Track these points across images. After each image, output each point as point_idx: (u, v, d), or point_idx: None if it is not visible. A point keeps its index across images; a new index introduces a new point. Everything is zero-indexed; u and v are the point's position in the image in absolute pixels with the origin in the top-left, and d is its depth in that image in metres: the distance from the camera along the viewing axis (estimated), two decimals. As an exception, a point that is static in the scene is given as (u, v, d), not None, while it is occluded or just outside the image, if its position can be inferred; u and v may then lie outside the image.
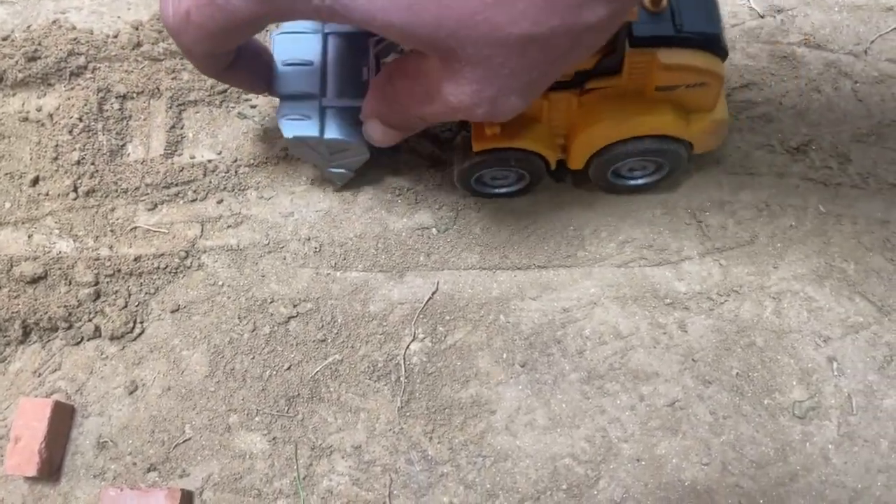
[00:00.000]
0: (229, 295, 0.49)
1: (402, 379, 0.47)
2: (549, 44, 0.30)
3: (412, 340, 0.48)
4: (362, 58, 0.45)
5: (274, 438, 0.46)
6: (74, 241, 0.50)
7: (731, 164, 0.52)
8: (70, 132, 0.51)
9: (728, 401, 0.46)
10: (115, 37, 0.55)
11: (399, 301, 0.49)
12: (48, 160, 0.51)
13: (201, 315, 0.49)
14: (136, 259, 0.49)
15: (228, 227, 0.51)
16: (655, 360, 0.47)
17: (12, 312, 0.47)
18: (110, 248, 0.50)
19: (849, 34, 0.54)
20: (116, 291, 0.48)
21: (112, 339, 0.48)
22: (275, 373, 0.47)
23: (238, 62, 0.40)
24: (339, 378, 0.47)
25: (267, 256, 0.50)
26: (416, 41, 0.32)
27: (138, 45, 0.54)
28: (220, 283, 0.49)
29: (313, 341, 0.48)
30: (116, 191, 0.51)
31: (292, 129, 0.44)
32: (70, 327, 0.48)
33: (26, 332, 0.48)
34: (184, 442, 0.46)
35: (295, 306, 0.49)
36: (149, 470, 0.45)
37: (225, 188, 0.51)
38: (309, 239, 0.50)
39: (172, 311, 0.49)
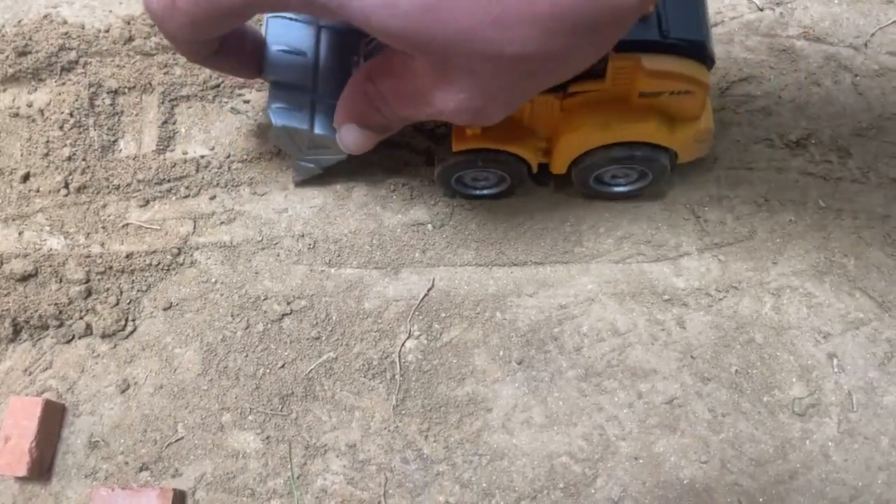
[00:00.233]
0: (222, 292, 0.48)
1: (397, 377, 0.46)
2: (541, 64, 0.31)
3: (407, 338, 0.47)
4: (353, 54, 0.45)
5: (268, 437, 0.45)
6: (65, 237, 0.49)
7: (729, 158, 0.51)
8: (61, 128, 0.51)
9: (727, 398, 0.46)
10: (107, 31, 0.54)
11: (394, 298, 0.48)
12: (39, 156, 0.51)
13: (194, 312, 0.48)
14: (128, 256, 0.48)
15: (221, 223, 0.50)
16: (653, 357, 0.47)
17: (2, 310, 0.46)
18: (102, 244, 0.49)
19: (849, 27, 0.54)
20: (108, 289, 0.48)
21: (104, 336, 0.47)
22: (268, 371, 0.47)
23: (225, 47, 0.39)
24: (333, 376, 0.47)
25: (260, 253, 0.49)
26: (411, 47, 0.32)
27: (130, 39, 0.53)
28: (213, 280, 0.49)
29: (307, 339, 0.47)
30: (108, 187, 0.50)
31: (282, 118, 0.43)
32: (61, 325, 0.47)
33: (17, 331, 0.47)
34: (176, 441, 0.45)
35: (289, 303, 0.48)
36: (141, 469, 0.45)
37: (218, 184, 0.51)
38: (303, 235, 0.50)
39: (165, 309, 0.48)
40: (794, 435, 0.45)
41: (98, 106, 0.52)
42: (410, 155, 0.51)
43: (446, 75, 0.33)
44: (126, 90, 0.53)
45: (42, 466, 0.44)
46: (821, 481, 0.43)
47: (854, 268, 0.48)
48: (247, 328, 0.48)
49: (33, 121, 0.52)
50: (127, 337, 0.48)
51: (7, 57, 0.53)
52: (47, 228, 0.49)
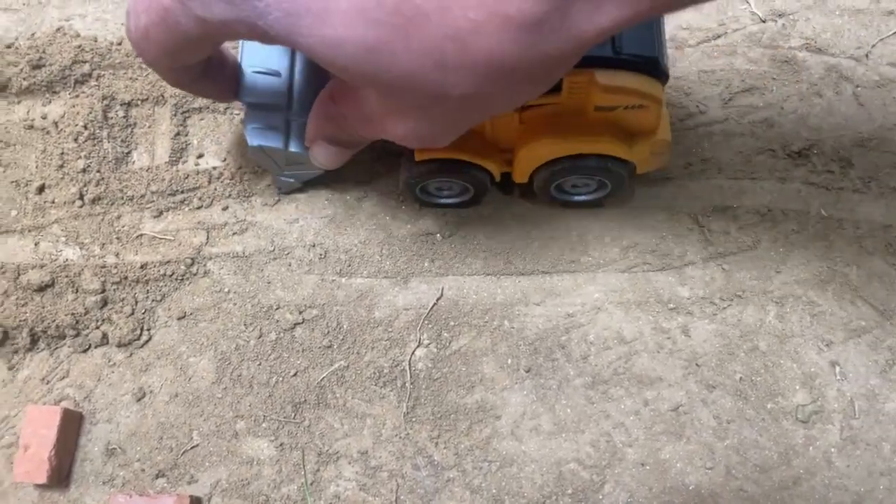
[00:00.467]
0: (235, 301, 0.49)
1: (407, 385, 0.47)
2: (484, 101, 0.32)
3: (417, 346, 0.48)
4: (327, 73, 0.46)
5: (281, 444, 0.46)
6: (81, 248, 0.50)
7: (732, 168, 0.52)
8: (76, 140, 0.52)
9: (732, 405, 0.46)
10: (119, 44, 0.55)
11: (404, 307, 0.49)
12: (54, 168, 0.52)
13: (208, 322, 0.49)
14: (143, 266, 0.49)
15: (234, 233, 0.51)
16: (659, 364, 0.47)
17: (20, 320, 0.47)
18: (116, 255, 0.50)
19: (850, 38, 0.55)
20: (123, 299, 0.49)
21: (119, 346, 0.48)
22: (281, 379, 0.48)
23: (205, 75, 0.41)
24: (345, 384, 0.48)
25: (272, 263, 0.50)
26: (358, 82, 0.33)
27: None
28: (227, 289, 0.50)
29: (319, 347, 0.48)
30: (122, 198, 0.51)
31: (258, 138, 0.45)
32: (77, 335, 0.48)
33: (34, 340, 0.48)
34: (192, 448, 0.46)
35: (301, 313, 0.49)
36: (157, 476, 0.46)
37: (230, 195, 0.52)
38: (314, 245, 0.51)
39: (179, 318, 0.49)
40: (797, 441, 0.46)
41: (111, 118, 0.53)
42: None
43: (394, 107, 0.34)
44: (139, 102, 0.54)
45: (61, 474, 0.45)
46: (824, 487, 0.44)
47: (856, 277, 0.49)
48: (260, 337, 0.49)
49: (48, 133, 0.53)
50: (142, 346, 0.48)
51: (21, 70, 0.54)
52: (63, 239, 0.50)
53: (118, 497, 0.44)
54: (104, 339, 0.48)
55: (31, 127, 0.53)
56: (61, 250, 0.50)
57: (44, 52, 0.54)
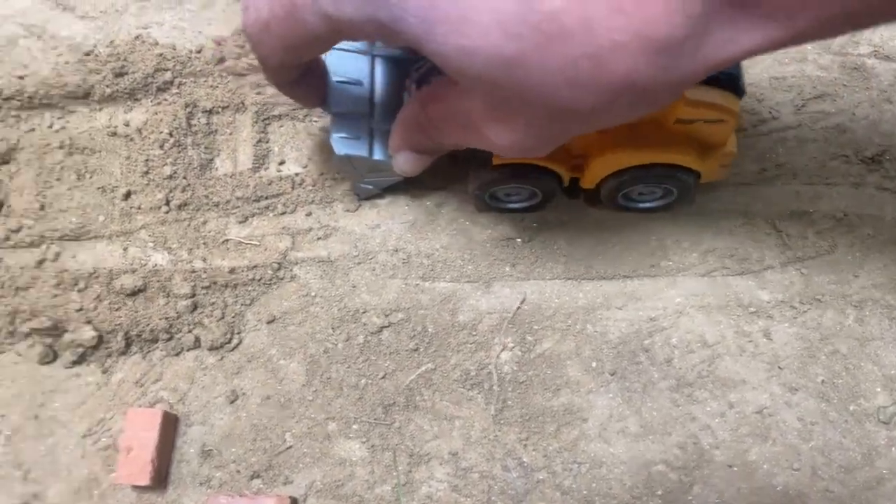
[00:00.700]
0: (322, 305, 0.50)
1: (494, 387, 0.48)
2: (598, 117, 0.32)
3: (502, 350, 0.49)
4: (404, 81, 0.47)
5: (372, 446, 0.47)
6: (169, 253, 0.51)
7: (807, 174, 0.53)
8: (161, 147, 0.52)
9: (815, 407, 0.47)
10: (199, 52, 0.56)
11: (487, 311, 0.50)
12: (139, 174, 0.53)
13: (296, 325, 0.50)
14: (231, 271, 0.50)
15: (318, 238, 0.52)
16: (742, 367, 0.48)
17: (115, 324, 0.48)
18: (204, 260, 0.51)
19: (920, 46, 0.55)
20: (213, 303, 0.50)
21: (211, 349, 0.49)
22: (370, 381, 0.49)
23: (305, 77, 0.41)
24: (432, 386, 0.48)
25: (357, 267, 0.51)
26: (480, 88, 0.33)
27: (222, 60, 0.55)
28: (313, 293, 0.50)
29: (406, 350, 0.49)
30: (207, 204, 0.52)
31: (344, 147, 0.46)
32: (170, 338, 0.49)
33: (128, 344, 0.49)
34: (285, 450, 0.47)
35: (386, 316, 0.50)
36: (253, 477, 0.47)
37: (313, 201, 0.53)
38: (397, 250, 0.52)
39: (268, 322, 0.50)
40: (879, 442, 0.46)
41: (195, 125, 0.54)
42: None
43: (503, 116, 0.35)
44: (220, 110, 0.55)
45: (161, 476, 0.46)
46: (910, 488, 0.45)
47: (935, 281, 0.49)
48: (347, 340, 0.49)
49: (131, 140, 0.54)
50: (233, 349, 0.49)
51: (104, 77, 0.54)
52: (151, 244, 0.51)
53: (219, 498, 0.45)
54: (196, 343, 0.49)
55: (114, 134, 0.54)
56: (150, 255, 0.51)
57: (125, 59, 0.55)
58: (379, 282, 0.51)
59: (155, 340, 0.49)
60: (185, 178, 0.52)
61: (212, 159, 0.54)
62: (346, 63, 0.47)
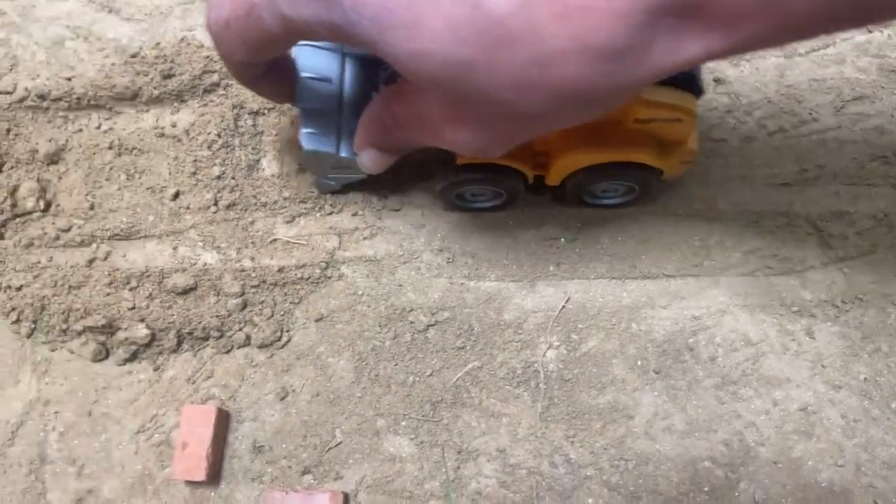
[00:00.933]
0: (369, 304, 0.51)
1: (541, 385, 0.49)
2: (550, 120, 0.33)
3: (548, 348, 0.50)
4: (374, 79, 0.47)
5: (421, 442, 0.48)
6: (218, 252, 0.52)
7: (847, 175, 0.53)
8: (209, 147, 0.53)
9: (857, 405, 0.48)
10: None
11: (532, 310, 0.51)
12: (187, 175, 0.53)
13: (344, 323, 0.50)
14: (280, 270, 0.51)
15: (364, 238, 0.52)
16: (786, 366, 0.49)
17: (167, 322, 0.49)
18: (252, 259, 0.52)
19: (958, 48, 0.56)
20: (262, 301, 0.50)
21: (261, 347, 0.50)
22: (418, 379, 0.49)
23: (270, 73, 0.42)
24: (479, 384, 0.49)
25: (402, 267, 0.52)
26: (433, 89, 0.34)
27: (266, 61, 0.56)
28: (360, 292, 0.51)
29: (452, 349, 0.50)
30: (255, 204, 0.53)
31: (312, 142, 0.46)
32: (221, 336, 0.50)
33: (179, 342, 0.49)
34: (335, 446, 0.48)
35: (433, 315, 0.51)
36: (304, 473, 0.47)
37: (357, 201, 0.53)
38: (441, 250, 0.52)
39: (317, 320, 0.50)
40: (923, 440, 0.47)
41: (241, 126, 0.54)
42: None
43: (459, 117, 0.36)
44: (265, 111, 0.55)
45: (214, 471, 0.46)
46: (956, 485, 0.46)
47: (977, 281, 0.50)
48: (395, 338, 0.50)
49: (179, 141, 0.55)
50: (282, 347, 0.50)
51: (152, 79, 0.55)
52: (200, 244, 0.52)
53: (274, 493, 0.45)
54: (247, 341, 0.50)
55: (161, 135, 0.55)
56: (199, 255, 0.52)
57: (172, 61, 0.56)
58: (424, 281, 0.52)
59: (206, 338, 0.50)
60: (233, 178, 0.53)
61: (258, 160, 0.54)
62: (316, 60, 0.47)
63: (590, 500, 0.47)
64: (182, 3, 0.59)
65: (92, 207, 0.53)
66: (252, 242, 0.52)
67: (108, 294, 0.50)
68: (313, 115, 0.47)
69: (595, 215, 0.53)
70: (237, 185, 0.53)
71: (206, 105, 0.55)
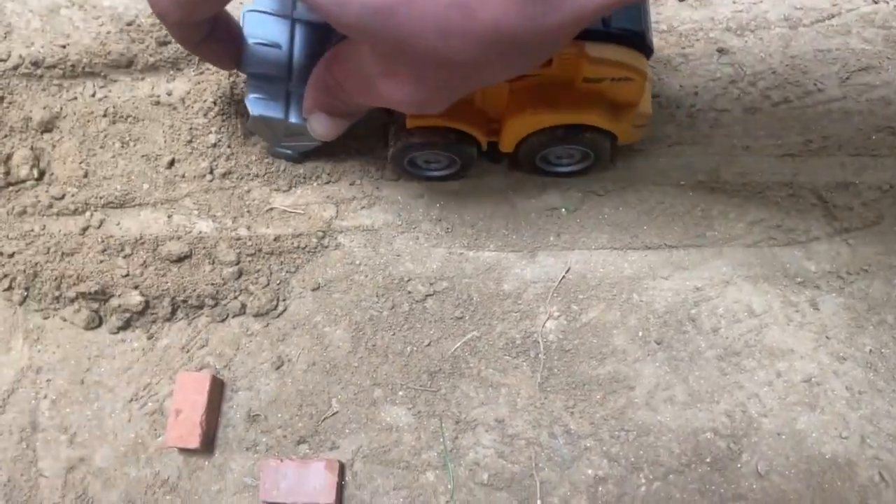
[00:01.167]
0: (367, 273, 0.50)
1: (540, 355, 0.48)
2: (480, 69, 0.33)
3: (548, 318, 0.49)
4: (326, 47, 0.46)
5: (419, 412, 0.47)
6: (213, 221, 0.51)
7: (852, 145, 0.53)
8: (205, 115, 0.52)
9: (863, 377, 0.47)
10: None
11: (532, 280, 0.50)
12: (182, 143, 0.53)
13: (341, 293, 0.50)
14: (276, 239, 0.50)
15: (362, 207, 0.52)
16: (790, 337, 0.48)
17: (161, 290, 0.48)
18: (248, 228, 0.51)
19: (966, 18, 0.55)
20: (258, 270, 0.50)
21: (256, 316, 0.49)
22: (415, 349, 0.48)
23: (212, 36, 0.41)
24: (478, 354, 0.48)
25: (400, 237, 0.51)
26: (361, 38, 0.33)
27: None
28: (357, 262, 0.50)
29: (451, 318, 0.49)
30: (250, 173, 0.52)
31: (259, 108, 0.46)
32: (216, 305, 0.49)
33: (174, 310, 0.49)
34: (332, 415, 0.47)
35: (431, 284, 0.50)
36: (299, 443, 0.47)
37: (355, 170, 0.53)
38: (440, 220, 0.52)
39: (313, 290, 0.50)
40: (929, 413, 0.46)
41: (237, 94, 0.54)
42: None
43: (391, 70, 0.35)
44: (262, 79, 0.54)
45: (208, 439, 0.46)
46: (962, 456, 0.45)
47: (985, 251, 0.49)
48: (392, 308, 0.49)
49: (174, 109, 0.54)
50: (278, 316, 0.49)
51: (147, 47, 0.55)
52: (195, 212, 0.51)
53: (270, 461, 0.45)
54: (242, 310, 0.49)
55: (157, 103, 0.54)
56: (194, 223, 0.51)
57: (168, 29, 0.55)
58: (423, 251, 0.51)
59: (201, 307, 0.49)
60: (229, 146, 0.52)
61: (255, 128, 0.53)
62: (264, 25, 0.46)
63: (589, 471, 0.46)
64: (178, -30, 0.58)
65: (86, 175, 0.52)
66: (248, 211, 0.51)
67: (101, 261, 0.49)
68: (261, 81, 0.46)
69: (597, 185, 0.52)
70: (233, 154, 0.52)
71: (202, 73, 0.55)
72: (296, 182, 0.52)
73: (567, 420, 0.47)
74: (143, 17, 0.57)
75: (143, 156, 0.53)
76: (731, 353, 0.48)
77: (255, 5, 0.46)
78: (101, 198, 0.51)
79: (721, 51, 0.55)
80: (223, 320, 0.49)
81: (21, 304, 0.49)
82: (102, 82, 0.55)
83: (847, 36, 0.55)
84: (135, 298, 0.48)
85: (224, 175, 0.52)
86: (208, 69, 0.54)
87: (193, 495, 0.45)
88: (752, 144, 0.53)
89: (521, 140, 0.47)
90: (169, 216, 0.51)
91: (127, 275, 0.49)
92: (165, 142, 0.53)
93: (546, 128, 0.45)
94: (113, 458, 0.46)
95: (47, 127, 0.53)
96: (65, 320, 0.49)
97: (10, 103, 0.54)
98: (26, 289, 0.49)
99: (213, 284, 0.49)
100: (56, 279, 0.48)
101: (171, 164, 0.52)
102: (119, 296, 0.48)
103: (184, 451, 0.46)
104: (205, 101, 0.53)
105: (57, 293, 0.49)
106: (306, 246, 0.50)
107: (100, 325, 0.49)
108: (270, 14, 0.47)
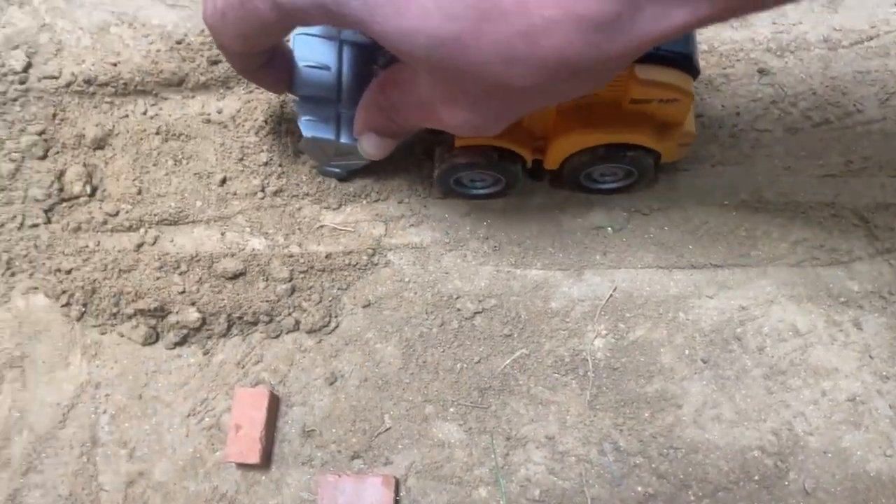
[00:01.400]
0: (416, 291, 0.51)
1: (589, 373, 0.49)
2: (540, 94, 0.34)
3: (595, 337, 0.50)
4: (371, 66, 0.48)
5: (470, 428, 0.48)
6: (265, 238, 0.52)
7: (892, 166, 0.53)
8: (256, 134, 0.53)
9: (906, 396, 0.48)
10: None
11: (579, 298, 0.51)
12: (234, 161, 0.53)
13: (391, 310, 0.51)
14: (327, 256, 0.51)
15: (411, 225, 0.53)
16: (834, 356, 0.49)
17: (218, 307, 0.49)
18: (299, 245, 0.52)
19: None
20: (310, 287, 0.51)
21: (309, 332, 0.50)
22: (465, 366, 0.49)
23: (269, 63, 0.43)
24: (527, 371, 0.49)
25: (448, 254, 0.52)
26: (424, 69, 0.34)
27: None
28: (407, 279, 0.51)
29: (500, 336, 0.50)
30: (301, 192, 0.53)
31: (311, 129, 0.47)
32: (270, 321, 0.50)
33: (229, 326, 0.50)
34: (384, 431, 0.48)
35: (480, 302, 0.51)
36: (353, 457, 0.48)
37: (403, 189, 0.53)
38: (487, 238, 0.52)
39: (364, 306, 0.51)
40: (971, 432, 0.47)
41: (287, 113, 0.55)
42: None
43: (451, 95, 0.36)
44: (311, 98, 0.55)
45: (266, 454, 0.47)
46: None
47: None
48: (442, 325, 0.50)
49: (225, 127, 0.55)
50: (331, 332, 0.50)
51: (199, 65, 0.55)
52: (247, 230, 0.52)
53: (327, 476, 0.45)
54: (296, 326, 0.50)
55: (207, 121, 0.55)
56: (247, 240, 0.52)
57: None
58: (470, 268, 0.52)
59: (255, 323, 0.50)
60: (280, 165, 0.53)
61: (304, 147, 0.54)
62: (313, 48, 0.47)
63: (639, 488, 0.47)
64: (227, -11, 0.59)
65: (139, 192, 0.53)
66: (299, 229, 0.52)
67: (157, 278, 0.50)
68: (312, 103, 0.47)
69: (642, 205, 0.53)
70: (284, 172, 0.53)
71: (251, 92, 0.55)
72: (345, 200, 0.53)
73: (616, 437, 0.48)
74: (192, 35, 0.57)
75: (195, 174, 0.54)
76: (777, 372, 0.49)
77: (303, 29, 0.47)
78: (155, 215, 0.52)
79: (762, 71, 0.56)
80: (277, 336, 0.50)
81: (79, 319, 0.50)
82: (153, 100, 0.56)
83: (886, 58, 0.56)
84: (192, 315, 0.49)
85: (275, 193, 0.53)
86: (258, 88, 0.55)
87: (251, 509, 0.47)
88: (793, 165, 0.54)
89: (566, 158, 0.48)
90: (222, 233, 0.52)
91: (183, 291, 0.50)
92: (217, 160, 0.54)
93: (592, 147, 0.46)
94: (172, 472, 0.47)
95: (100, 144, 0.54)
96: (122, 336, 0.50)
97: (62, 120, 0.55)
98: (84, 305, 0.50)
99: (267, 301, 0.50)
100: (115, 296, 0.49)
101: (223, 181, 0.53)
102: (177, 312, 0.49)
103: (241, 465, 0.47)
104: (255, 119, 0.54)
105: (115, 309, 0.50)
106: (357, 263, 0.51)
107: (156, 340, 0.50)
108: (319, 36, 0.48)
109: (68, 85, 0.56)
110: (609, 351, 0.50)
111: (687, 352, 0.49)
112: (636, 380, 0.49)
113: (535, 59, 0.31)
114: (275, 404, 0.48)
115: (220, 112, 0.55)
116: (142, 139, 0.54)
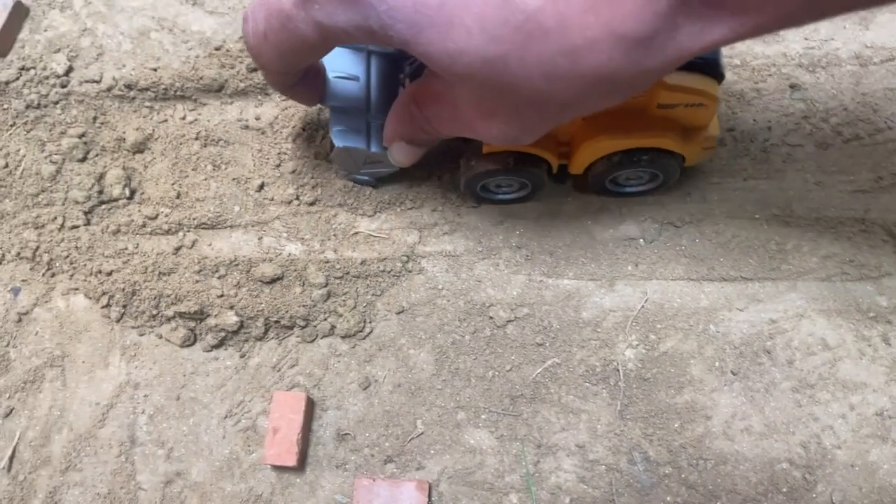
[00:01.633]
0: (449, 298, 0.52)
1: (620, 383, 0.50)
2: (578, 106, 0.35)
3: (626, 347, 0.51)
4: (399, 76, 0.49)
5: (501, 436, 0.49)
6: (302, 244, 0.53)
7: (923, 184, 0.54)
8: (293, 141, 0.54)
9: (934, 412, 0.48)
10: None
11: (611, 309, 0.52)
12: (271, 167, 0.54)
13: (424, 317, 0.51)
14: (362, 262, 0.52)
15: (444, 233, 0.53)
16: (863, 371, 0.49)
17: (256, 311, 0.50)
18: (335, 251, 0.53)
19: None
20: (346, 293, 0.51)
21: (344, 337, 0.51)
22: (497, 373, 0.50)
23: (305, 78, 0.44)
24: (558, 380, 0.50)
25: (481, 263, 0.53)
26: (466, 85, 0.35)
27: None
28: (440, 286, 0.52)
29: (532, 345, 0.51)
30: (336, 199, 0.54)
31: (344, 139, 0.48)
32: (306, 325, 0.51)
33: (266, 330, 0.51)
34: (417, 436, 0.49)
35: (512, 310, 0.51)
36: (386, 462, 0.48)
37: (437, 197, 0.54)
38: (519, 247, 0.53)
39: (398, 313, 0.51)
40: None
41: (324, 121, 0.55)
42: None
43: (489, 108, 0.37)
44: (347, 106, 0.56)
45: (302, 457, 0.47)
46: None
47: None
48: (474, 332, 0.51)
49: (263, 133, 0.56)
50: (365, 338, 0.51)
51: (238, 72, 0.56)
52: (284, 235, 0.53)
53: (363, 480, 0.46)
54: (331, 331, 0.51)
55: (245, 127, 0.56)
56: (284, 245, 0.53)
57: (257, 55, 0.57)
58: (503, 277, 0.53)
59: (291, 327, 0.51)
60: (313, 172, 0.54)
61: (340, 154, 0.55)
62: (342, 59, 0.49)
63: (668, 498, 0.47)
64: (265, -3, 0.60)
65: (178, 196, 0.54)
66: (334, 235, 0.53)
67: (197, 281, 0.51)
68: (343, 113, 0.48)
69: (673, 217, 0.53)
70: (319, 182, 0.54)
71: (288, 100, 0.56)
72: (380, 207, 0.54)
73: (646, 447, 0.48)
74: (230, 42, 0.58)
75: (233, 179, 0.55)
76: (806, 386, 0.49)
77: None
78: (194, 219, 0.53)
79: (793, 86, 0.57)
80: (312, 341, 0.51)
81: (118, 320, 0.51)
82: (192, 105, 0.57)
83: (917, 75, 0.57)
84: (231, 318, 0.49)
85: (311, 201, 0.54)
86: (295, 95, 0.56)
87: (286, 510, 0.47)
88: (824, 180, 0.54)
89: (592, 163, 0.48)
90: (259, 238, 0.53)
91: (222, 295, 0.50)
92: (255, 166, 0.55)
93: (617, 151, 0.47)
94: (209, 472, 0.48)
95: (139, 148, 0.55)
96: (160, 337, 0.51)
97: (102, 123, 0.56)
98: (124, 306, 0.51)
99: (304, 306, 0.50)
100: (155, 298, 0.50)
101: (261, 187, 0.54)
102: (215, 315, 0.50)
103: (277, 467, 0.48)
104: (293, 126, 0.55)
105: (154, 311, 0.50)
106: (391, 270, 0.52)
107: (194, 342, 0.51)
108: (347, 47, 0.49)
109: (109, 89, 0.57)
110: (640, 361, 0.50)
111: (717, 364, 0.50)
112: (666, 390, 0.50)
113: (576, 75, 0.32)
114: (311, 408, 0.49)
115: (257, 118, 0.56)
116: (181, 144, 0.55)
